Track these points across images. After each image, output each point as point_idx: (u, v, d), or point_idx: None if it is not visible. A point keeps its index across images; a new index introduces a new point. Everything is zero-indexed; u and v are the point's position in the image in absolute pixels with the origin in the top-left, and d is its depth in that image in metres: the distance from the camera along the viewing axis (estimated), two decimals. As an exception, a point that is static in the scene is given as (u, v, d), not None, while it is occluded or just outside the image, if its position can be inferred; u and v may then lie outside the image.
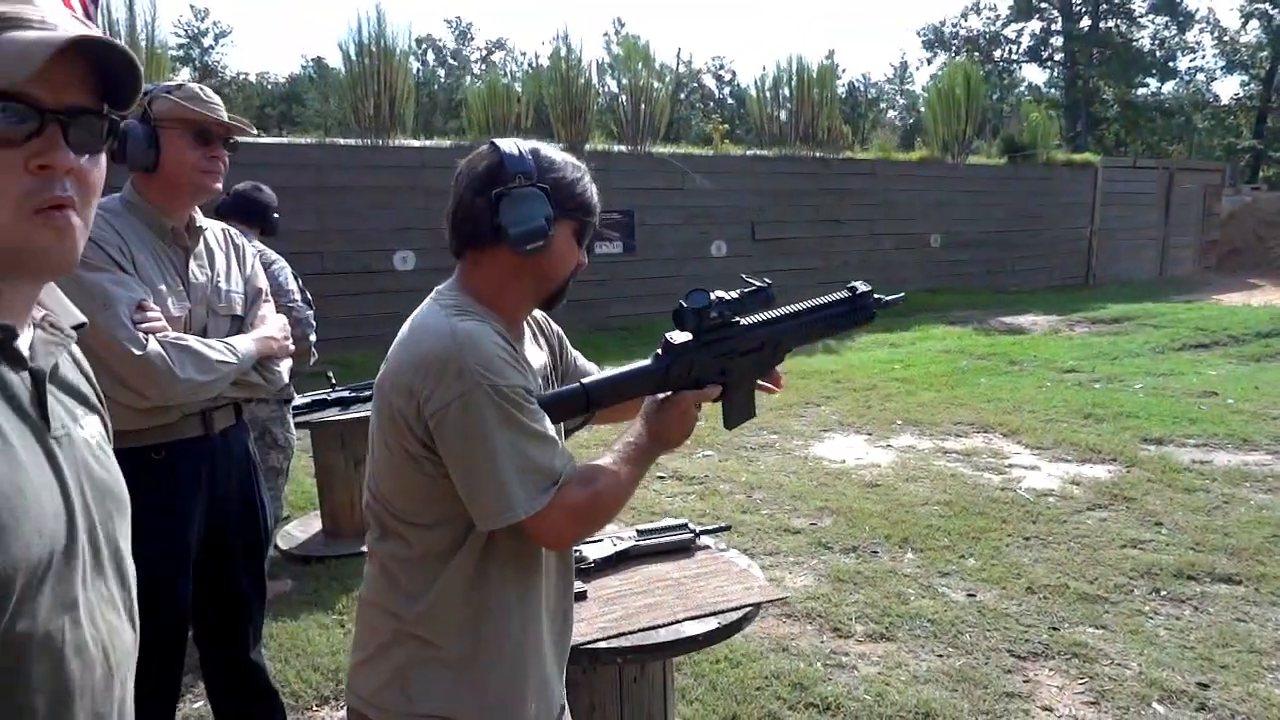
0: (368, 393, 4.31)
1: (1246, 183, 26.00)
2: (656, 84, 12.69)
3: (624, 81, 12.73)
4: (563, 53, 11.89)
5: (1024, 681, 3.06)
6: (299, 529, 4.51)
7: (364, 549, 4.34)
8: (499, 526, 1.29)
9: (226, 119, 2.07)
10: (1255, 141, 33.34)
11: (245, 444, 2.27)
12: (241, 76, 41.50)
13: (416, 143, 10.52)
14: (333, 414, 4.13)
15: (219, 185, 2.12)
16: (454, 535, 1.36)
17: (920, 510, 4.70)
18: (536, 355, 1.50)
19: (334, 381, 4.53)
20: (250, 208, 3.78)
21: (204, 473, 2.11)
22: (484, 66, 43.15)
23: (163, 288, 2.01)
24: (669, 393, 1.47)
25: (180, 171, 2.02)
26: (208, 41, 41.93)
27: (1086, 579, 3.83)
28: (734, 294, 1.50)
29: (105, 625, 0.83)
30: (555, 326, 1.64)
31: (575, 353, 1.68)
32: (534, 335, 1.55)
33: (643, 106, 12.38)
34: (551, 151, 1.40)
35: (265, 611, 2.43)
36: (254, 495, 2.28)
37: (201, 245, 2.16)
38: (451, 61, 45.85)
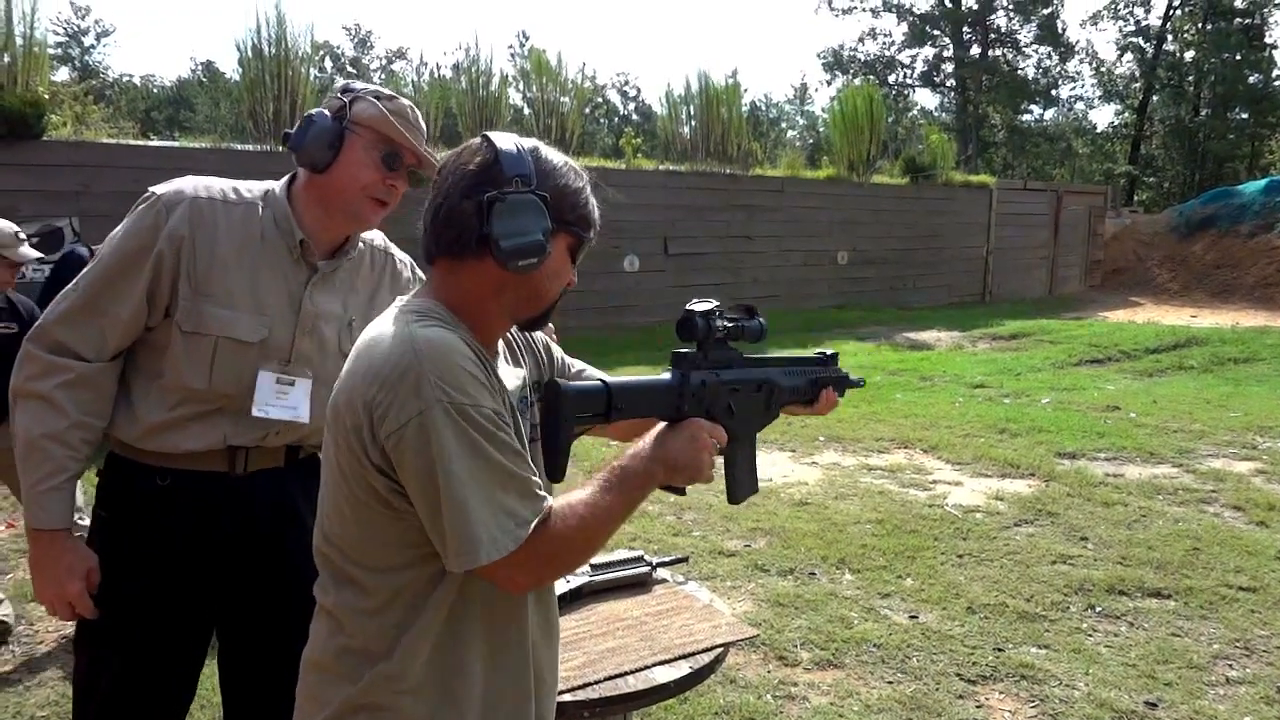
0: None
1: (1124, 205, 27.46)
2: (565, 98, 12.56)
3: (531, 94, 12.57)
4: (471, 62, 11.64)
5: (977, 707, 2.99)
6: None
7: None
8: (465, 569, 1.09)
9: (423, 153, 1.75)
10: (1130, 167, 35.33)
11: (286, 493, 1.81)
12: (125, 79, 39.67)
13: (319, 150, 10.07)
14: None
15: (378, 219, 1.78)
16: (424, 581, 1.16)
17: (853, 529, 4.64)
18: (512, 375, 1.31)
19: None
20: None
21: (218, 519, 1.73)
22: (385, 75, 42.26)
23: (239, 302, 1.67)
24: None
25: (349, 186, 1.70)
26: (89, 41, 39.93)
27: (1024, 597, 3.82)
28: (732, 311, 1.39)
29: None
30: (538, 334, 1.44)
31: (572, 359, 1.50)
32: (508, 353, 1.36)
33: (552, 120, 12.22)
34: (552, 153, 1.22)
35: None
36: (289, 562, 1.80)
37: (343, 271, 1.82)
38: (351, 70, 44.77)
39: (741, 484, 1.46)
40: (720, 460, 1.44)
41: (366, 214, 1.74)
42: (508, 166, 1.15)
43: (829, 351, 1.65)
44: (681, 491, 1.28)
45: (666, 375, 1.31)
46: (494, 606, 1.21)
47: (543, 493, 1.15)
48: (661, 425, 1.28)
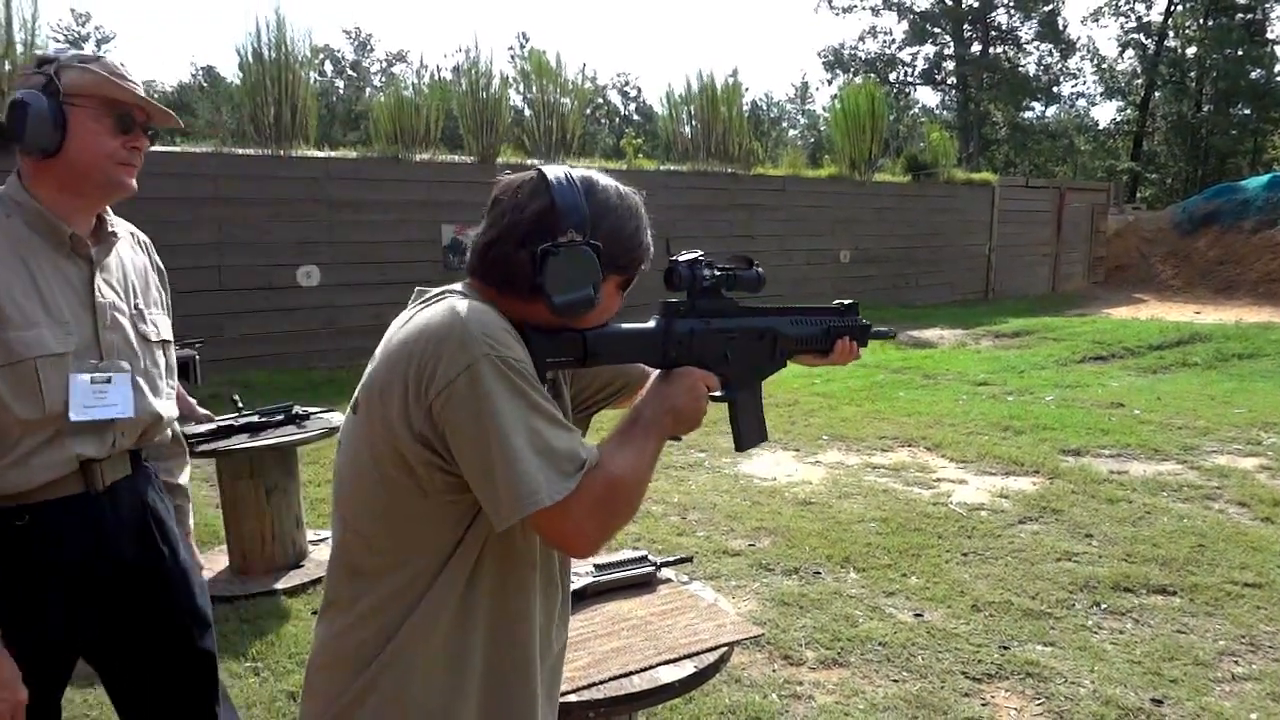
0: (280, 417, 4.01)
1: (1127, 202, 27.40)
2: (565, 99, 12.55)
3: (531, 95, 12.57)
4: (471, 64, 11.63)
5: (982, 705, 2.99)
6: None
7: (278, 587, 4.01)
8: (520, 518, 1.09)
9: (151, 105, 1.68)
10: (1133, 164, 35.27)
11: (143, 498, 1.78)
12: (126, 84, 39.64)
13: (320, 153, 10.06)
14: (241, 441, 3.80)
15: (134, 183, 1.70)
16: (439, 563, 1.18)
17: (857, 528, 4.64)
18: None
19: (240, 405, 4.20)
20: None
21: (87, 542, 1.65)
22: (385, 78, 42.29)
23: (37, 316, 1.57)
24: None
25: (93, 161, 1.61)
26: (89, 47, 39.97)
27: (1028, 594, 3.81)
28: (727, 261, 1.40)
29: None
30: None
31: None
32: None
33: (552, 121, 12.22)
34: (607, 187, 1.23)
35: None
36: (163, 566, 1.79)
37: (114, 256, 1.74)
38: (351, 73, 44.80)
39: (748, 432, 1.45)
40: (720, 415, 1.44)
41: (120, 178, 1.67)
42: (563, 214, 1.16)
43: (847, 301, 1.63)
44: (678, 439, 1.30)
45: (651, 323, 1.32)
46: (497, 598, 1.22)
47: (584, 438, 1.18)
48: (656, 375, 1.31)
